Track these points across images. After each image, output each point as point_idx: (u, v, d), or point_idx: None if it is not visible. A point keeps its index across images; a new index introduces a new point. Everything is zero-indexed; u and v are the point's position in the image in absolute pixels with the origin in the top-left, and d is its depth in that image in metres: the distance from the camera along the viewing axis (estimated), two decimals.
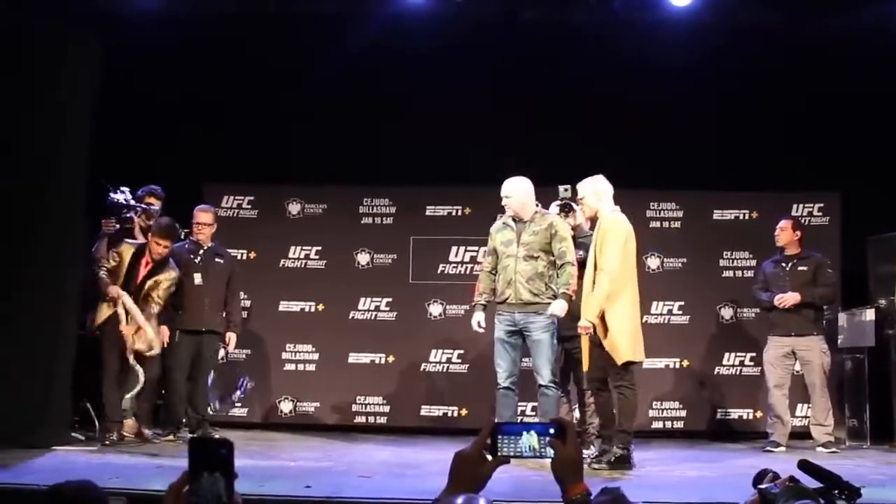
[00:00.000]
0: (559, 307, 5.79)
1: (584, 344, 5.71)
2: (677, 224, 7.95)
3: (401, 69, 7.64)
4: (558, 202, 6.25)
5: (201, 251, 6.80)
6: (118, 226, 6.59)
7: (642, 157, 7.46)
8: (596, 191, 5.80)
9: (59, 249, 6.17)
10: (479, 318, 6.04)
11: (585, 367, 5.74)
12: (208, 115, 7.75)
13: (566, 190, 6.17)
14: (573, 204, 6.19)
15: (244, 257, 7.89)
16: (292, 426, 7.65)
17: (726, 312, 7.83)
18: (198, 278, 6.66)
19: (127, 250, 6.32)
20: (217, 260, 6.91)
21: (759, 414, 7.56)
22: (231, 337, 6.89)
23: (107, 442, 6.15)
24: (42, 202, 6.08)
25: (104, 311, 6.19)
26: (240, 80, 7.72)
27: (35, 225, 6.02)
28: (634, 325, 5.67)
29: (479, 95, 7.68)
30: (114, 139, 6.79)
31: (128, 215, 6.60)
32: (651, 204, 7.94)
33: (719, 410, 7.72)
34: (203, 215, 6.91)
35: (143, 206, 6.67)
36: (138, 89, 7.42)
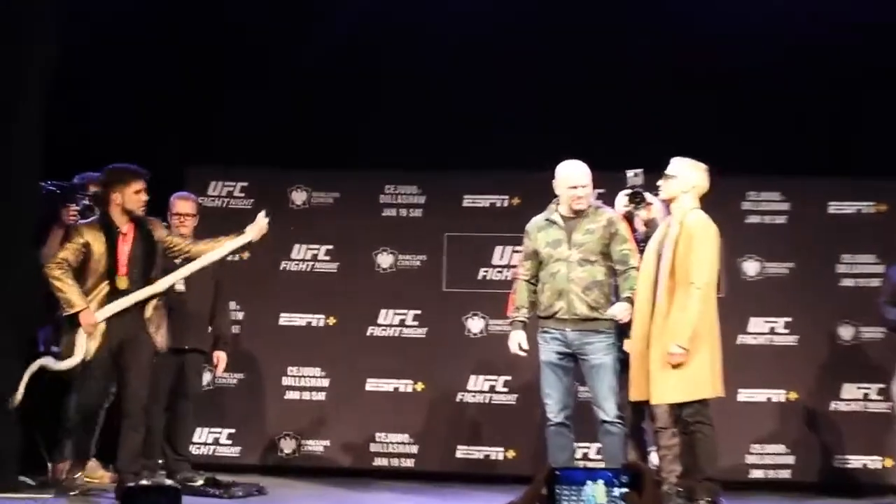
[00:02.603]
0: (622, 309, 5.77)
1: (636, 369, 5.68)
2: (782, 219, 7.86)
3: (431, 28, 7.65)
4: (627, 191, 6.12)
5: None
6: (79, 216, 6.47)
7: (737, 135, 7.38)
8: (690, 178, 5.73)
9: (3, 251, 6.19)
10: (519, 338, 6.00)
11: (631, 395, 5.75)
12: (192, 84, 7.74)
13: (636, 175, 6.05)
14: (646, 194, 6.09)
15: (235, 258, 7.68)
16: (296, 469, 7.67)
17: (845, 332, 7.71)
18: (180, 285, 6.55)
19: (90, 234, 6.00)
20: None
21: (888, 463, 7.48)
22: (220, 357, 6.83)
23: (73, 492, 6.01)
24: None
25: (87, 344, 5.95)
26: (232, 41, 7.72)
27: None
28: (714, 352, 5.63)
29: (529, 59, 7.64)
30: (75, 114, 6.89)
31: (86, 202, 6.53)
32: (748, 194, 7.85)
33: (836, 457, 7.59)
34: (182, 204, 6.76)
35: (91, 193, 6.52)
36: (102, 53, 7.46)
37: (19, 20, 6.28)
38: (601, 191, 6.33)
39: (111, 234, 6.02)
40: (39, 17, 6.32)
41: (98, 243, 5.98)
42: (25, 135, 6.30)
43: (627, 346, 5.83)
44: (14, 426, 6.07)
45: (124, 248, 6.04)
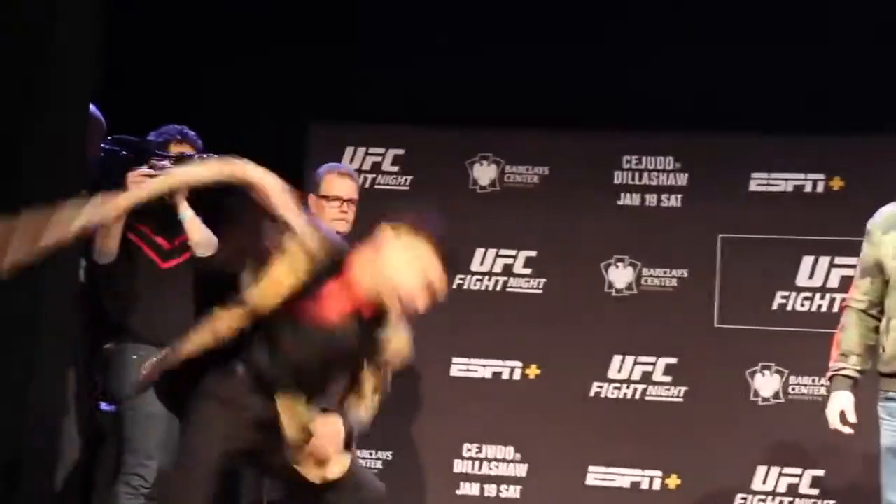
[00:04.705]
0: None
1: None
2: None
3: None
4: None
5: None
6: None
7: None
8: None
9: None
10: (843, 403, 5.50)
11: None
12: (321, 7, 7.69)
13: None
14: None
15: None
16: None
17: None
18: None
19: (301, 245, 5.07)
20: None
21: None
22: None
23: None
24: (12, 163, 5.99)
25: None
26: None
27: None
28: None
29: None
30: (154, 49, 7.18)
31: (165, 165, 6.29)
32: None
33: None
34: (343, 183, 6.50)
35: (175, 154, 6.33)
36: None
37: None
38: None
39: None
40: None
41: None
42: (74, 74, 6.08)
43: None
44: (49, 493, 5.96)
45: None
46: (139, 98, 6.87)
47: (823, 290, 7.30)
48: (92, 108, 6.16)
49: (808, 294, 7.34)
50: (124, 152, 6.28)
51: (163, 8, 7.60)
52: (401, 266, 4.64)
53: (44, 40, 6.10)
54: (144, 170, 6.15)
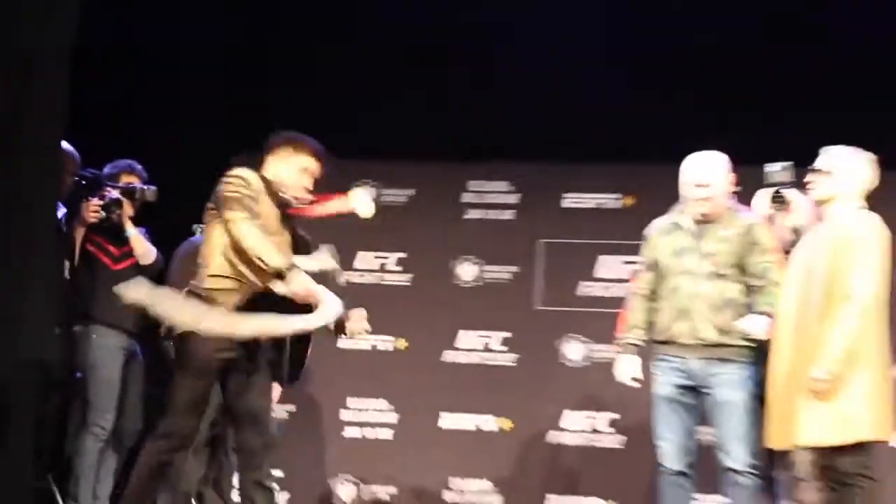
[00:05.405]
0: (757, 323, 5.68)
1: (775, 413, 5.54)
2: None
3: None
4: (770, 190, 5.98)
5: None
6: (105, 213, 6.53)
7: None
8: (850, 174, 5.56)
9: (22, 251, 5.56)
10: (630, 365, 5.98)
11: (771, 441, 5.59)
12: (238, 60, 7.87)
13: (784, 169, 5.91)
14: (790, 193, 5.93)
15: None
16: None
17: None
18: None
19: None
20: None
21: None
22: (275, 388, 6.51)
23: None
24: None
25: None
26: (286, 9, 7.85)
27: None
28: (880, 387, 5.43)
29: (650, 20, 7.57)
30: (100, 96, 7.03)
31: (114, 196, 6.54)
32: None
33: None
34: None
35: (123, 185, 6.63)
36: (135, 23, 7.67)
37: None
38: (737, 189, 6.13)
39: None
40: None
41: None
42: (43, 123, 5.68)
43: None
44: (24, 467, 5.57)
45: None
46: (100, 135, 6.73)
47: (616, 282, 7.76)
48: (66, 145, 6.02)
49: (606, 284, 7.90)
50: (82, 182, 6.49)
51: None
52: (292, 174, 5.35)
53: (22, 89, 5.46)
54: (96, 202, 6.45)
